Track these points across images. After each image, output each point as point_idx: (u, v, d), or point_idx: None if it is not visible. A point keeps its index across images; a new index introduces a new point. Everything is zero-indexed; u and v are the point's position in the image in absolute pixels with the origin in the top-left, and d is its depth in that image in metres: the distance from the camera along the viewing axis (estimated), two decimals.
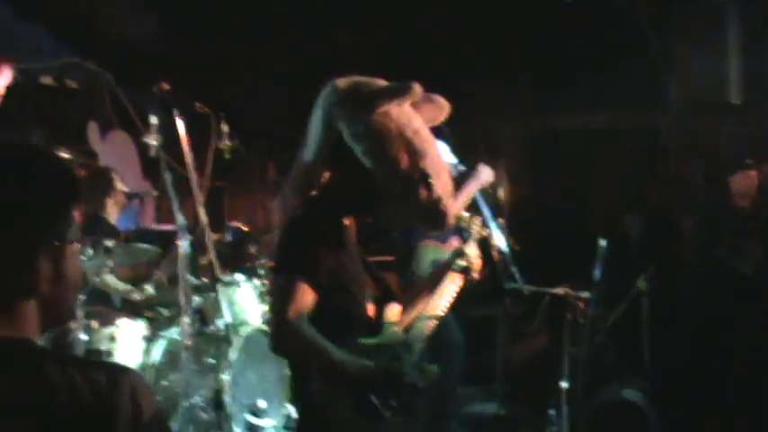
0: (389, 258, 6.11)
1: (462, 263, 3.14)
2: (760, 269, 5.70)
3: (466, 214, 5.64)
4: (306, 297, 2.63)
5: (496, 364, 6.53)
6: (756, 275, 5.75)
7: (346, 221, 2.89)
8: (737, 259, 6.08)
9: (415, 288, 3.42)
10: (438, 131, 2.94)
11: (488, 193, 5.99)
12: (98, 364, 1.55)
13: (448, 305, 3.09)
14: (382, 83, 2.79)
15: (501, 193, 7.05)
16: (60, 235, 1.48)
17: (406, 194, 2.71)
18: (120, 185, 6.04)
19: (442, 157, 2.86)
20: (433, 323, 3.00)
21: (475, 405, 6.71)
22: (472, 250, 3.20)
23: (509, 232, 5.99)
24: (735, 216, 6.56)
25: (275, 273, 2.82)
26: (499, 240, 5.22)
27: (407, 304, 3.06)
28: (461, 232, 5.60)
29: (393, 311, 2.94)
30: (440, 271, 3.22)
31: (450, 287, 3.12)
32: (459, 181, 5.19)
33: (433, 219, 2.79)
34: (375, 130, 2.67)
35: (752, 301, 5.61)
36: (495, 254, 5.49)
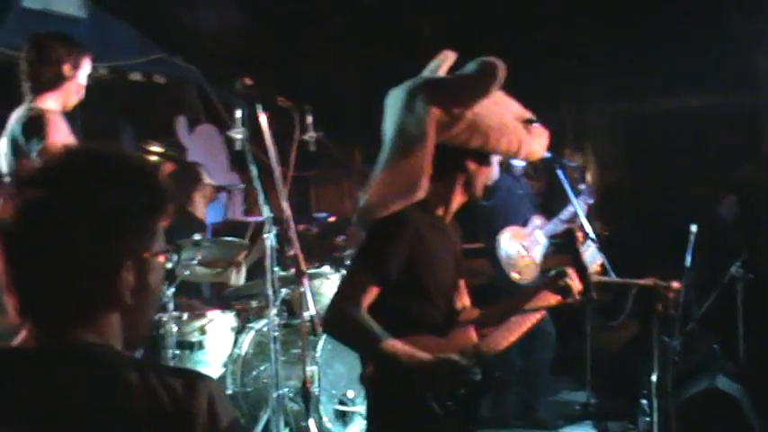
0: (479, 246, 6.07)
1: (562, 283, 2.95)
2: None
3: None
4: (366, 290, 2.68)
5: (586, 354, 6.42)
6: None
7: (440, 213, 2.88)
8: None
9: (504, 303, 3.21)
10: None
11: (575, 178, 5.90)
12: (175, 370, 1.55)
13: (531, 324, 2.95)
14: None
15: (589, 177, 6.93)
16: (147, 247, 1.48)
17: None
18: (207, 179, 6.12)
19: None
20: (507, 340, 2.88)
21: (565, 393, 6.65)
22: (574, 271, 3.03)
23: (598, 218, 5.90)
24: None
25: (350, 263, 2.84)
26: (587, 228, 5.12)
27: (492, 317, 2.96)
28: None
29: (470, 315, 2.91)
30: (537, 289, 3.03)
31: (541, 306, 2.96)
32: None
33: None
34: (475, 123, 2.77)
35: None
36: (581, 240, 5.40)
